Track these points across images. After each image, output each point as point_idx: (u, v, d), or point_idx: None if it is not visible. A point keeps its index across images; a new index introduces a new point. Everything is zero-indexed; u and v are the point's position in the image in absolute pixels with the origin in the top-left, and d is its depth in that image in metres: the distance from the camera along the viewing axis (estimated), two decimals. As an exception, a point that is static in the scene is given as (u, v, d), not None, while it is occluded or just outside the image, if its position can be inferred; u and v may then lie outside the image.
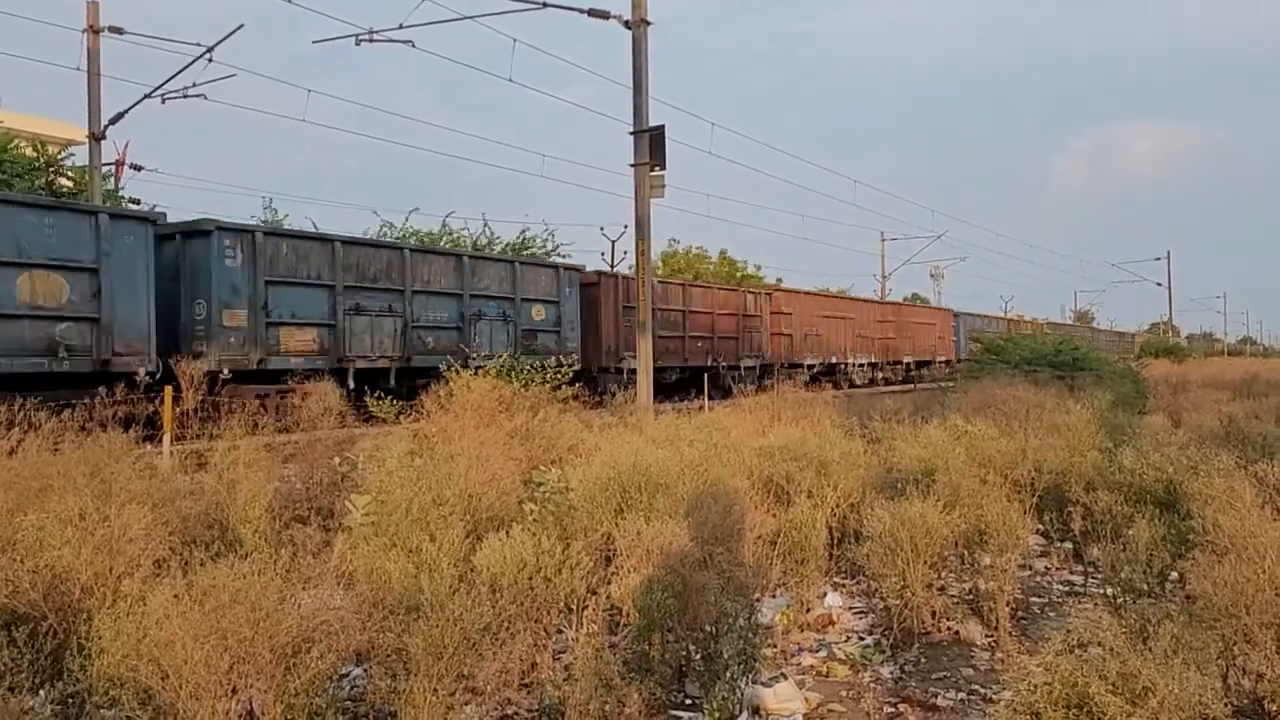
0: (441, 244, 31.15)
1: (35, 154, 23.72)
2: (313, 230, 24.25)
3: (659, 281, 27.28)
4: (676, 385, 25.86)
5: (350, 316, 17.80)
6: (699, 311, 27.79)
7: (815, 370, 33.16)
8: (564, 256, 34.32)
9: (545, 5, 18.09)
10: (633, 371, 19.95)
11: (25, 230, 13.41)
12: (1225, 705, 3.39)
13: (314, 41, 47.70)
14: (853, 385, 34.02)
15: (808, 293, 36.42)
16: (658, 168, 17.61)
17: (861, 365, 36.54)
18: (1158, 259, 71.28)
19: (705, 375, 24.67)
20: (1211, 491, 6.07)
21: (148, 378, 14.20)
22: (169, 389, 11.85)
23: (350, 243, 18.41)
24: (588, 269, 25.33)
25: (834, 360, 34.79)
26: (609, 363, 23.93)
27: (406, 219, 34.66)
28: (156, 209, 22.03)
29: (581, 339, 23.28)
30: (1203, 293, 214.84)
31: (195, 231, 16.11)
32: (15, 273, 13.22)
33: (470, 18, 18.63)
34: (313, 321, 17.26)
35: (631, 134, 17.74)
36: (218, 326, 15.74)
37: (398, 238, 30.41)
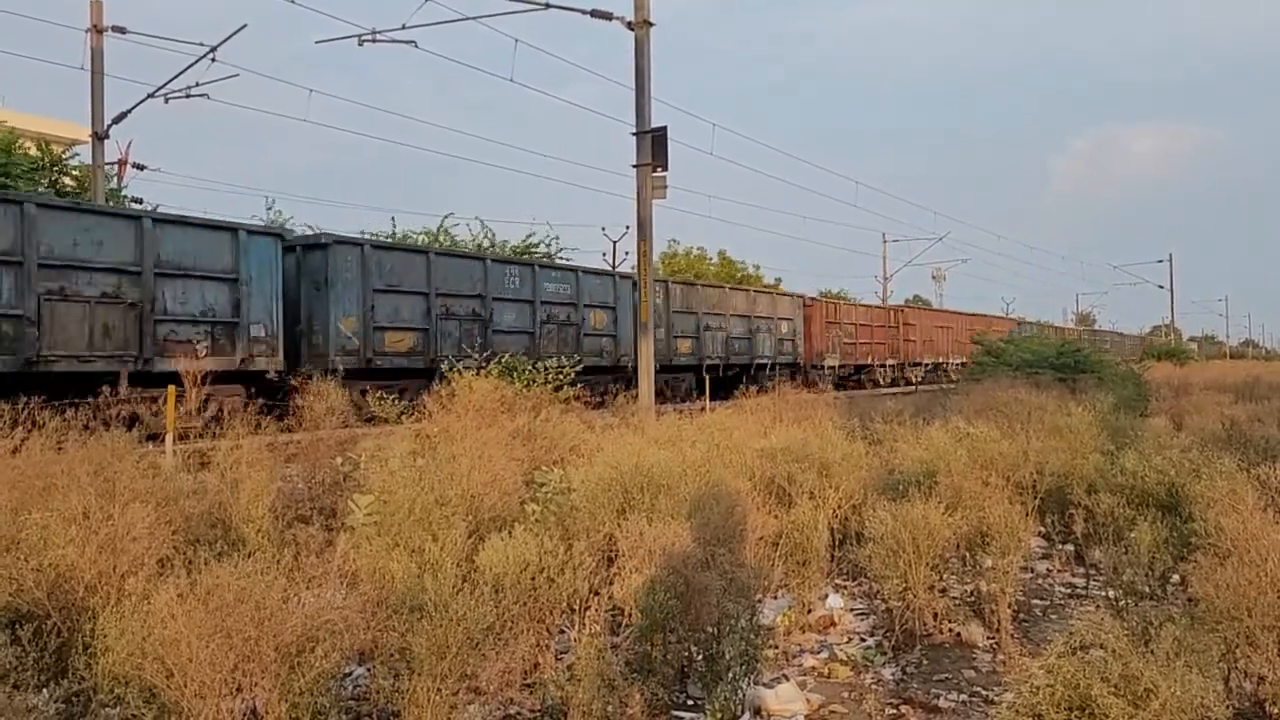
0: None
1: (40, 153, 23.75)
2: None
3: (845, 303, 39.70)
4: (850, 380, 36.12)
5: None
6: (864, 325, 38.28)
7: (928, 367, 42.58)
8: (566, 258, 34.45)
9: (548, 6, 18.11)
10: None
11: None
12: (1227, 708, 3.39)
13: (317, 42, 47.69)
14: (949, 380, 37.91)
15: (924, 309, 48.43)
16: (660, 169, 17.62)
17: (957, 364, 42.37)
18: (1160, 261, 71.19)
19: (865, 371, 37.66)
20: (1214, 494, 6.07)
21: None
22: (172, 389, 11.86)
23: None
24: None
25: (940, 360, 43.88)
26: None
27: (393, 221, 34.66)
28: (159, 208, 22.08)
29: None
30: (1205, 295, 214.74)
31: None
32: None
33: (473, 18, 18.66)
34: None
35: (634, 135, 17.75)
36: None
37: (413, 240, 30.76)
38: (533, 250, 34.40)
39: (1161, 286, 69.55)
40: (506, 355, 16.85)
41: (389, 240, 28.24)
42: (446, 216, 34.44)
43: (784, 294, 34.58)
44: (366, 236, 22.10)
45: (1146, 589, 5.83)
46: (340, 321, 17.70)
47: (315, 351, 17.52)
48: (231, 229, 16.25)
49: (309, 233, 23.13)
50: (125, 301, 14.52)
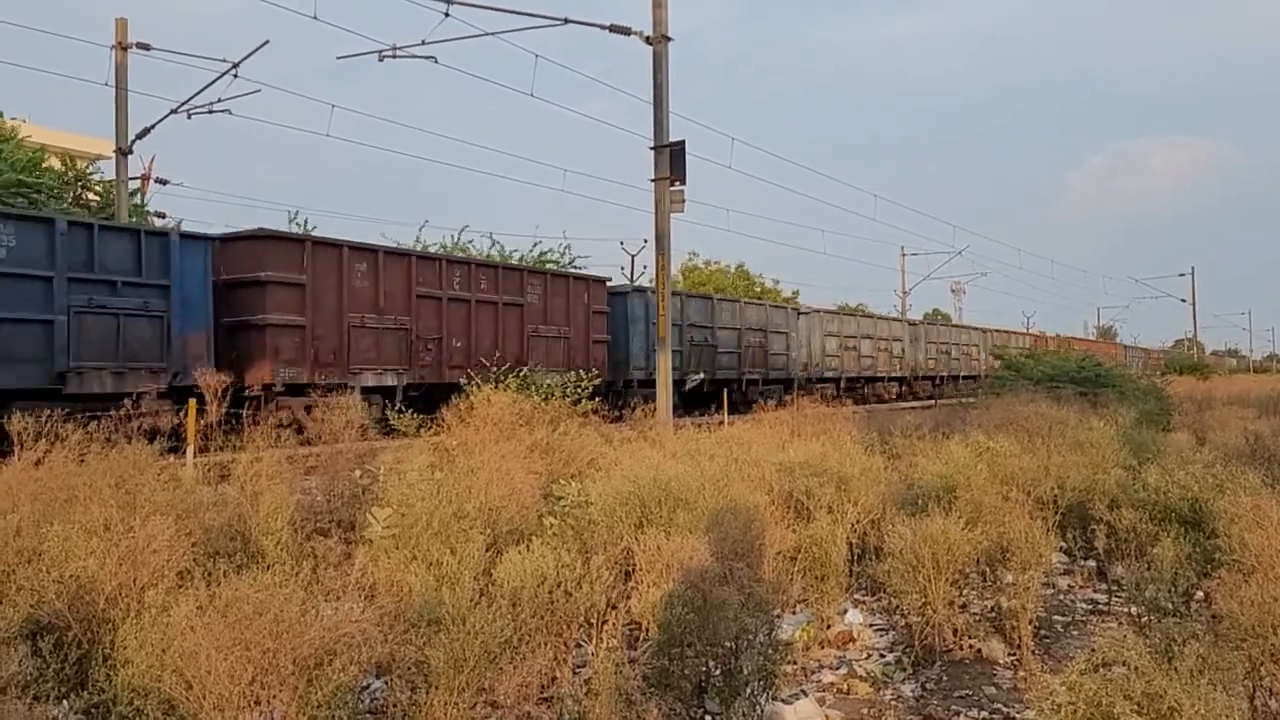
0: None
1: (65, 168, 24.02)
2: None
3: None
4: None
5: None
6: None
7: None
8: (581, 269, 34.67)
9: (567, 22, 18.20)
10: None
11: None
12: (1252, 726, 3.35)
13: (338, 58, 48.20)
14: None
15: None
16: (678, 182, 17.64)
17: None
18: (1181, 275, 70.77)
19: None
20: (1238, 510, 6.00)
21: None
22: (192, 402, 11.92)
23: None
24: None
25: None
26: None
27: (419, 233, 34.92)
28: (181, 222, 22.30)
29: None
30: (1228, 309, 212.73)
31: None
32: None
33: (492, 34, 18.76)
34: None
35: (652, 149, 17.80)
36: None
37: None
38: (544, 261, 34.64)
39: (1184, 300, 69.10)
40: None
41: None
42: (462, 230, 34.81)
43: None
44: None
45: (1169, 605, 5.77)
46: (644, 348, 23.87)
47: (635, 367, 24.07)
48: (622, 292, 24.48)
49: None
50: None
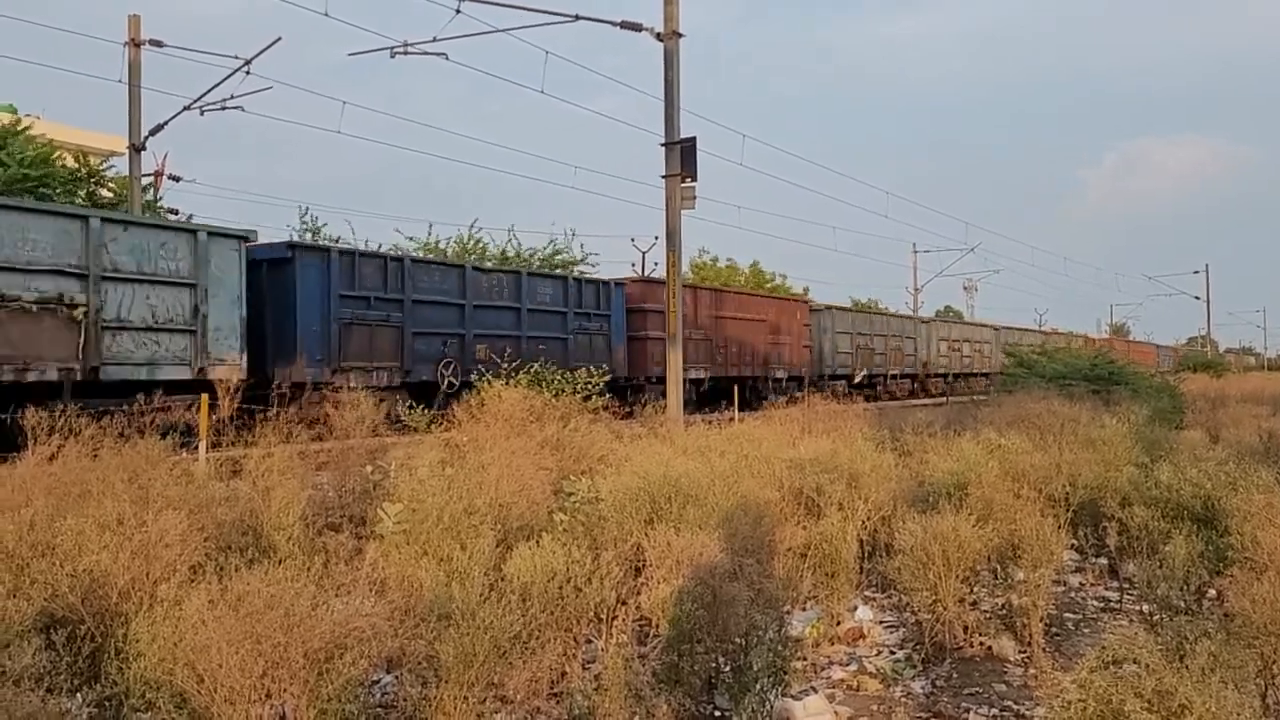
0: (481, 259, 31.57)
1: (78, 165, 24.12)
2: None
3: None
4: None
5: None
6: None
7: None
8: (593, 266, 34.73)
9: (578, 18, 18.19)
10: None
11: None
12: (1264, 725, 3.34)
13: (349, 54, 47.86)
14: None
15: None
16: (689, 179, 17.61)
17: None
18: (1196, 272, 70.53)
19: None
20: (1251, 507, 5.98)
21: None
22: (204, 397, 11.98)
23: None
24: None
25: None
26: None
27: (430, 228, 35.09)
28: (194, 218, 22.34)
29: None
30: (1242, 306, 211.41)
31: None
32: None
33: (503, 30, 18.76)
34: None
35: (663, 145, 17.78)
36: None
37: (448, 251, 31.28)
38: (558, 256, 34.69)
39: (1198, 298, 68.74)
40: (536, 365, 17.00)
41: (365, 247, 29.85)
42: (474, 224, 34.86)
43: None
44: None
45: (1181, 603, 5.74)
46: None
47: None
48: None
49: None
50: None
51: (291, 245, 17.52)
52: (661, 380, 21.86)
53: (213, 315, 14.89)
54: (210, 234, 15.22)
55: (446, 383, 18.86)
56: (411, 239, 33.48)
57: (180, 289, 14.57)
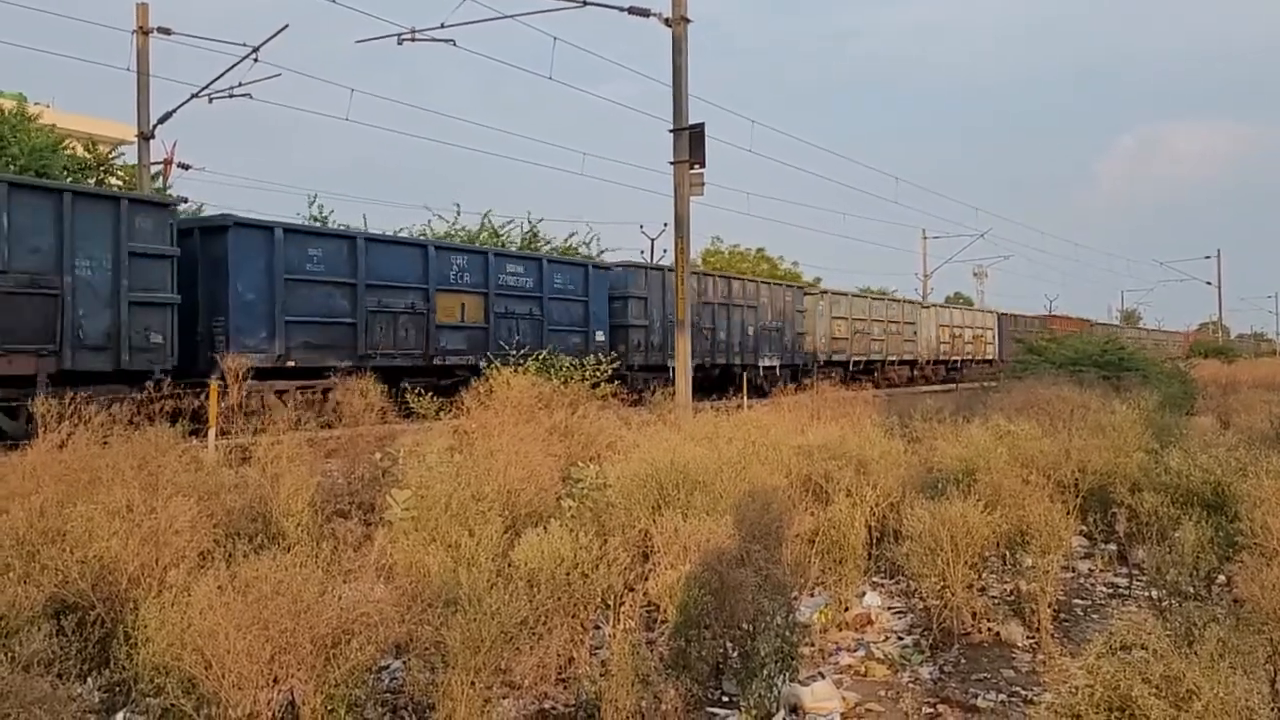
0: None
1: (87, 153, 24.16)
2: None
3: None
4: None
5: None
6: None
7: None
8: (610, 253, 34.88)
9: (586, 4, 18.11)
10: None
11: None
12: (1272, 710, 3.33)
13: (357, 41, 48.02)
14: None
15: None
16: (697, 165, 17.55)
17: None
18: (1207, 257, 69.99)
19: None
20: (1261, 494, 5.95)
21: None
22: (214, 385, 12.00)
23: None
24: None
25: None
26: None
27: (458, 208, 35.10)
28: (204, 208, 22.40)
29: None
30: (1254, 292, 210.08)
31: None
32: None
33: (511, 16, 18.69)
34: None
35: (671, 131, 17.72)
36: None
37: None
38: (573, 249, 34.68)
39: (1209, 283, 68.35)
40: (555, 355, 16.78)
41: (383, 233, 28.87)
42: (487, 213, 34.82)
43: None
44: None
45: (1190, 589, 5.73)
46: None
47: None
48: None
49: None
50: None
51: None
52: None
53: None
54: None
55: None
56: (441, 217, 33.38)
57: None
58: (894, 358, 36.92)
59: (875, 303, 37.44)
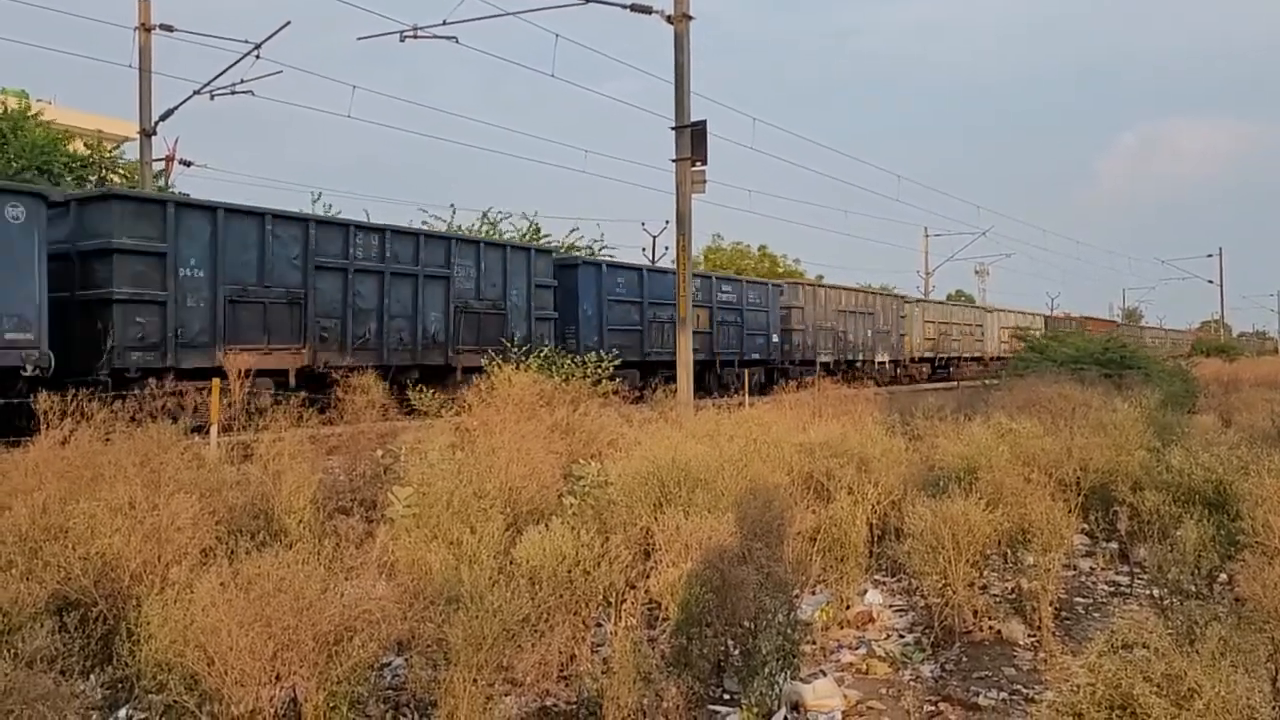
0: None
1: (89, 150, 24.18)
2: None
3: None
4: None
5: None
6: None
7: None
8: (612, 252, 34.90)
9: (588, 1, 18.11)
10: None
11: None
12: (1273, 709, 3.33)
13: (359, 38, 47.78)
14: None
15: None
16: (699, 163, 17.53)
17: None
18: (1209, 256, 69.88)
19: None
20: (1263, 492, 5.95)
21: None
22: (216, 381, 12.00)
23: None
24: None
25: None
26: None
27: (453, 208, 35.09)
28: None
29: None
30: (1256, 290, 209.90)
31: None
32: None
33: (513, 14, 18.69)
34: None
35: (673, 129, 17.70)
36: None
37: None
38: (576, 247, 34.71)
39: (1211, 281, 68.25)
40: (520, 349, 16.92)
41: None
42: (488, 211, 34.87)
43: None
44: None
45: (1192, 588, 5.73)
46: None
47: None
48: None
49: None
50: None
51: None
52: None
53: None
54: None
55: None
56: (438, 218, 33.46)
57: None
58: (967, 355, 41.07)
59: (954, 308, 42.01)
